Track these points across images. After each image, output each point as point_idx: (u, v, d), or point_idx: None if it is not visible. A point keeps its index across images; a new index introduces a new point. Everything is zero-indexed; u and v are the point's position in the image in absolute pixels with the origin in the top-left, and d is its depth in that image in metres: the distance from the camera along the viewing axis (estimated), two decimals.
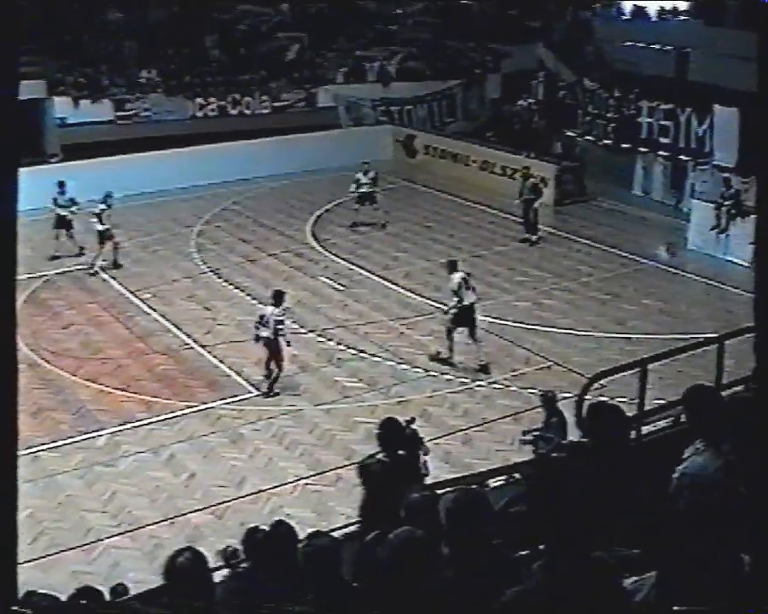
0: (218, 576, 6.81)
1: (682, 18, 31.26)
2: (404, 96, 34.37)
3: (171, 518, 13.19)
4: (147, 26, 33.20)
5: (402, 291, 21.22)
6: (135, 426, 15.65)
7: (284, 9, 35.86)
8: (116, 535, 12.86)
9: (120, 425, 15.66)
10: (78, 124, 29.87)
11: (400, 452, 8.80)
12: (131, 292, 21.47)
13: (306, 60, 34.55)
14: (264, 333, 16.34)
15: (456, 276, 17.19)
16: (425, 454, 10.86)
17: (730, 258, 22.25)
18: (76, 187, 23.46)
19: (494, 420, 14.84)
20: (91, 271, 22.64)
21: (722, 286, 21.16)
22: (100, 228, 22.54)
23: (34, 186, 25.02)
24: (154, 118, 31.40)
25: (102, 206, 22.54)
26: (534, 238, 24.50)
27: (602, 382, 8.81)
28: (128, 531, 12.95)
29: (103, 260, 22.80)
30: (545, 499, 4.66)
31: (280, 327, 16.31)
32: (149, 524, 13.06)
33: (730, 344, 9.68)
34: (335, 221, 26.80)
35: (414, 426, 10.51)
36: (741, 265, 20.84)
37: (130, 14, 33.12)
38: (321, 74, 34.39)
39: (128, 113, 31.30)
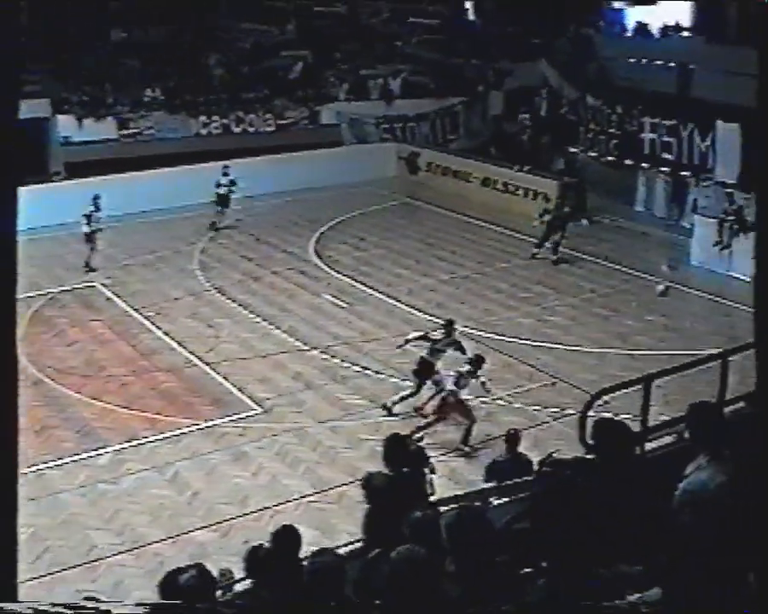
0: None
1: (684, 35, 31.42)
2: (407, 113, 34.46)
3: (174, 536, 13.19)
4: (150, 44, 33.34)
5: (405, 307, 21.22)
6: (139, 444, 15.66)
7: (288, 28, 35.99)
8: (120, 553, 12.86)
9: (124, 442, 15.68)
10: (82, 142, 29.99)
11: (404, 469, 8.78)
12: (135, 310, 21.50)
13: (310, 78, 34.65)
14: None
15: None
16: (431, 473, 10.80)
17: (732, 274, 22.26)
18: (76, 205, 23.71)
19: (498, 437, 14.77)
20: (87, 269, 23.76)
21: (725, 301, 21.15)
22: (86, 229, 23.60)
23: (38, 204, 25.28)
24: (157, 137, 31.47)
25: (91, 208, 23.55)
26: (537, 251, 24.44)
27: (605, 398, 8.78)
28: (132, 549, 12.95)
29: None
30: (548, 516, 4.67)
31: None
32: (153, 542, 13.06)
33: (733, 359, 9.68)
34: (338, 238, 26.85)
35: (420, 444, 10.49)
36: (744, 280, 20.83)
37: (134, 33, 33.26)
38: (324, 92, 34.49)
39: (132, 132, 31.41)
